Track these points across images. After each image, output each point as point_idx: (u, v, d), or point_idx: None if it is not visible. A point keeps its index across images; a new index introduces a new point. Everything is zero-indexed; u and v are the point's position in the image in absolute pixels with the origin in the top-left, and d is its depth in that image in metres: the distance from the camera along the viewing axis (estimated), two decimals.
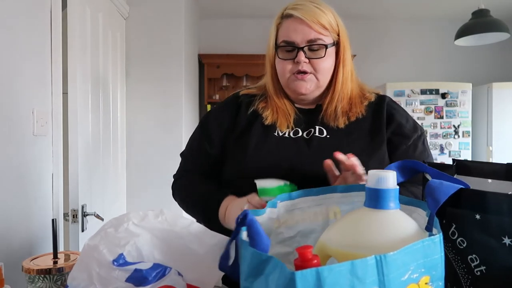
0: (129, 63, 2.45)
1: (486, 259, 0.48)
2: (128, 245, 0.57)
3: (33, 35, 1.37)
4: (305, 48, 0.88)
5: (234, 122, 0.97)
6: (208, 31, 3.74)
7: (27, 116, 1.33)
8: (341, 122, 0.92)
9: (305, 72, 0.90)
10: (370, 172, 0.47)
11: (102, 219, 1.72)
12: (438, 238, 0.41)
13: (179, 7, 2.52)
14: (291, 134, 0.93)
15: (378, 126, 0.93)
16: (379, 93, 1.00)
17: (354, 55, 1.00)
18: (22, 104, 1.30)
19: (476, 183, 0.62)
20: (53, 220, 0.83)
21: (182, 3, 2.52)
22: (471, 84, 3.59)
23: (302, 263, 0.39)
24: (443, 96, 3.52)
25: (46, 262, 0.76)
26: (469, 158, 3.53)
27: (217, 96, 3.57)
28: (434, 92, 3.53)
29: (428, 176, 0.60)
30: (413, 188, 0.86)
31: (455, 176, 0.62)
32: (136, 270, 0.54)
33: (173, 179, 1.07)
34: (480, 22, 2.60)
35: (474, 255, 0.50)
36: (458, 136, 3.54)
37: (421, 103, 3.53)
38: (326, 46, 0.89)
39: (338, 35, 0.92)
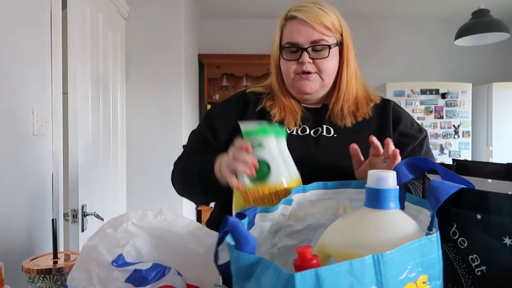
0: (129, 63, 2.46)
1: (487, 259, 0.48)
2: (127, 246, 0.57)
3: (33, 35, 1.37)
4: (309, 49, 0.90)
5: (242, 117, 0.97)
6: (208, 31, 3.74)
7: (27, 116, 1.33)
8: (349, 122, 0.94)
9: (309, 72, 0.91)
10: (370, 172, 0.47)
11: (102, 219, 1.72)
12: (435, 237, 0.41)
13: (179, 7, 2.52)
14: (299, 132, 0.94)
15: (384, 127, 0.95)
16: (383, 97, 1.02)
17: (355, 55, 1.01)
18: (22, 104, 1.30)
19: (476, 183, 0.62)
20: (53, 220, 0.83)
21: (182, 3, 2.52)
22: (471, 84, 3.59)
23: (302, 263, 0.39)
24: (443, 96, 3.52)
25: (46, 262, 0.76)
26: (469, 158, 3.52)
27: (217, 96, 3.57)
28: (434, 92, 3.53)
29: (429, 177, 0.60)
30: (418, 184, 0.87)
31: None
32: (135, 270, 0.54)
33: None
34: (480, 22, 2.60)
35: (475, 255, 0.49)
36: (458, 136, 3.54)
37: (421, 103, 3.53)
38: (329, 47, 0.91)
39: (342, 35, 0.94)
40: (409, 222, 0.46)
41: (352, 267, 0.35)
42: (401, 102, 3.50)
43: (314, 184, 0.63)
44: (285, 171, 0.71)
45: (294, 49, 0.92)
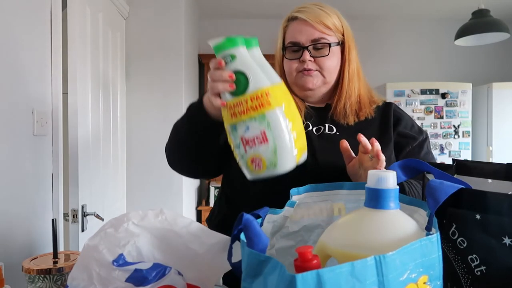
0: (129, 63, 2.45)
1: (486, 259, 0.48)
2: (128, 245, 0.57)
3: (33, 35, 1.37)
4: (310, 47, 0.93)
5: None
6: (208, 31, 3.74)
7: (27, 116, 1.33)
8: (351, 120, 0.95)
9: (310, 70, 0.94)
10: (370, 172, 0.48)
11: (102, 219, 1.72)
12: (435, 237, 0.41)
13: (179, 7, 2.52)
14: None
15: (385, 127, 0.97)
16: (385, 101, 1.04)
17: (357, 55, 1.03)
18: (22, 104, 1.30)
19: (476, 183, 0.62)
20: (53, 220, 0.83)
21: (182, 3, 2.52)
22: (471, 84, 3.59)
23: (302, 263, 0.39)
24: (443, 96, 3.52)
25: (46, 262, 0.76)
26: (469, 158, 3.53)
27: None
28: (434, 92, 3.53)
29: (429, 176, 0.61)
30: (416, 182, 0.88)
31: (455, 176, 0.62)
32: (136, 270, 0.54)
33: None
34: (480, 22, 2.60)
35: (474, 255, 0.50)
36: (458, 136, 3.54)
37: (421, 103, 3.53)
38: (329, 45, 0.93)
39: (343, 35, 0.96)
40: (409, 222, 0.46)
41: (354, 269, 0.35)
42: (401, 102, 3.50)
43: (307, 186, 0.64)
44: (263, 77, 0.71)
45: (296, 48, 0.95)
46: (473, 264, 0.50)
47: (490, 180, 0.62)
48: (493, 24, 2.55)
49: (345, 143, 0.80)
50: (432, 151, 1.01)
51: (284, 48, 0.97)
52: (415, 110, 3.52)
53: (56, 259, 0.78)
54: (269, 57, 0.87)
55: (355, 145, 0.78)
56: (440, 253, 0.42)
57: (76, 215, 1.64)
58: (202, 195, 3.62)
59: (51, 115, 1.47)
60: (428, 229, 0.46)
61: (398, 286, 0.37)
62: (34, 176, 1.37)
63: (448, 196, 0.48)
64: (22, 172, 1.30)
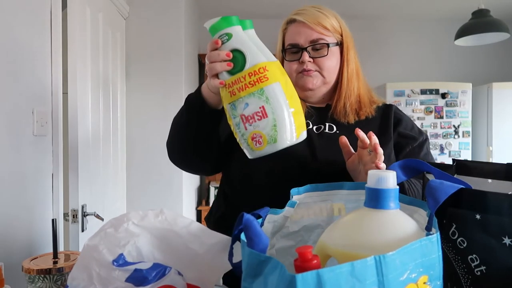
0: (129, 63, 2.45)
1: (486, 259, 0.48)
2: (128, 245, 0.57)
3: (33, 35, 1.37)
4: (309, 48, 0.95)
5: None
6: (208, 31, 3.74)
7: (27, 116, 1.33)
8: (351, 119, 0.97)
9: (310, 70, 0.95)
10: (370, 172, 0.48)
11: (102, 219, 1.72)
12: (435, 237, 0.41)
13: (179, 7, 2.52)
14: None
15: (385, 127, 0.98)
16: (385, 102, 1.06)
17: (357, 55, 1.04)
18: (22, 104, 1.31)
19: (476, 183, 0.62)
20: (53, 220, 0.83)
21: (182, 3, 2.52)
22: (471, 84, 3.59)
23: (302, 263, 0.39)
24: (443, 96, 3.52)
25: (46, 262, 0.76)
26: (469, 158, 3.53)
27: None
28: (434, 92, 3.53)
29: (429, 176, 0.61)
30: (415, 181, 0.88)
31: (455, 176, 0.63)
32: (136, 270, 0.54)
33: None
34: (480, 22, 2.60)
35: (474, 255, 0.50)
36: (458, 136, 3.54)
37: (421, 103, 3.53)
38: (328, 45, 0.95)
39: (342, 35, 0.98)
40: (409, 222, 0.46)
41: (354, 269, 0.35)
42: (401, 102, 3.50)
43: (307, 186, 0.64)
44: (260, 54, 0.73)
45: (295, 50, 0.96)
46: (473, 264, 0.50)
47: (490, 180, 0.62)
48: (493, 24, 2.55)
49: (344, 139, 0.81)
50: (431, 152, 1.02)
51: (284, 50, 0.99)
52: (415, 110, 3.52)
53: (56, 259, 0.78)
54: None
55: (355, 143, 0.79)
56: (440, 253, 0.42)
57: (76, 215, 1.64)
58: (202, 195, 3.62)
59: (51, 115, 1.47)
60: (428, 229, 0.46)
61: (398, 286, 0.37)
62: (34, 176, 1.37)
63: (448, 196, 0.48)
64: (22, 172, 1.30)
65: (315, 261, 0.39)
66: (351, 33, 1.00)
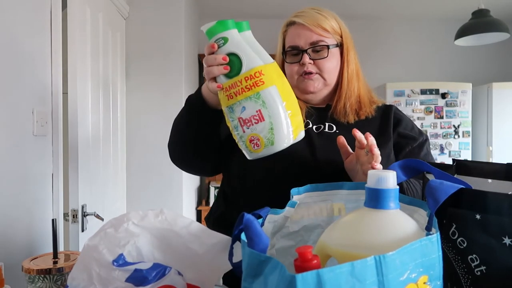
0: (129, 63, 2.46)
1: (486, 259, 0.48)
2: (128, 245, 0.57)
3: (33, 35, 1.37)
4: (309, 50, 0.95)
5: None
6: None
7: (27, 116, 1.33)
8: (351, 119, 0.97)
9: (310, 73, 0.95)
10: (370, 172, 0.48)
11: (102, 219, 1.72)
12: (435, 237, 0.41)
13: (179, 7, 2.52)
14: None
15: (385, 126, 0.98)
16: (385, 103, 1.06)
17: (356, 56, 1.04)
18: (22, 104, 1.31)
19: (476, 183, 0.62)
20: (53, 220, 0.83)
21: (182, 3, 2.52)
22: (471, 84, 3.59)
23: (302, 263, 0.39)
24: (443, 96, 3.52)
25: (46, 262, 0.76)
26: (469, 158, 3.53)
27: None
28: (434, 92, 3.53)
29: (429, 176, 0.61)
30: (415, 181, 0.88)
31: (455, 176, 0.63)
32: (136, 270, 0.54)
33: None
34: (480, 22, 2.60)
35: (474, 255, 0.50)
36: (458, 136, 3.54)
37: (421, 103, 3.53)
38: (328, 47, 0.95)
39: (341, 37, 0.98)
40: (409, 222, 0.46)
41: (354, 269, 0.35)
42: (401, 102, 3.50)
43: (307, 186, 0.64)
44: (256, 57, 0.73)
45: (295, 52, 0.97)
46: (473, 264, 0.50)
47: (490, 180, 0.62)
48: (493, 24, 2.55)
49: (341, 139, 0.81)
50: (431, 152, 1.02)
51: (284, 52, 0.99)
52: (415, 110, 3.51)
53: (56, 259, 0.78)
54: None
55: (355, 142, 0.79)
56: (440, 253, 0.42)
57: (76, 215, 1.64)
58: (202, 195, 3.62)
59: (51, 115, 1.47)
60: (428, 229, 0.46)
61: (398, 286, 0.37)
62: (34, 176, 1.37)
63: (448, 196, 0.48)
64: (22, 172, 1.30)
65: (315, 261, 0.39)
66: (351, 34, 1.01)
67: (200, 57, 3.44)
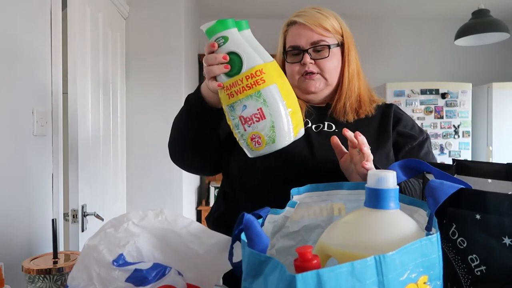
0: (129, 63, 2.45)
1: (486, 259, 0.48)
2: (128, 245, 0.57)
3: (33, 35, 1.37)
4: (310, 50, 0.95)
5: None
6: None
7: (27, 116, 1.33)
8: (351, 118, 0.97)
9: (312, 73, 0.95)
10: (370, 172, 0.48)
11: (102, 219, 1.72)
12: (435, 237, 0.41)
13: (179, 7, 2.52)
14: None
15: (385, 125, 0.98)
16: (386, 102, 1.06)
17: (357, 56, 1.04)
18: (22, 104, 1.31)
19: (476, 183, 0.62)
20: (53, 220, 0.83)
21: (182, 3, 2.52)
22: (471, 84, 3.59)
23: (302, 263, 0.39)
24: (443, 96, 3.52)
25: (46, 262, 0.76)
26: (469, 158, 3.52)
27: None
28: (434, 92, 3.53)
29: (428, 176, 0.61)
30: (413, 180, 0.88)
31: (455, 176, 0.62)
32: (136, 270, 0.54)
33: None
34: (480, 22, 2.60)
35: (474, 255, 0.50)
36: (458, 136, 3.54)
37: (421, 103, 3.53)
38: (329, 47, 0.95)
39: (342, 36, 0.98)
40: (409, 222, 0.46)
41: (354, 269, 0.35)
42: (401, 102, 3.50)
43: (307, 186, 0.64)
44: (256, 56, 0.74)
45: (296, 52, 0.97)
46: (473, 264, 0.50)
47: (490, 180, 0.62)
48: (493, 24, 2.55)
49: (335, 139, 0.81)
50: (433, 152, 1.01)
51: (285, 52, 0.99)
52: (415, 110, 3.51)
53: (56, 259, 0.78)
54: None
55: None
56: (440, 253, 0.42)
57: (76, 215, 1.64)
58: (202, 195, 3.62)
59: (51, 115, 1.47)
60: (428, 229, 0.46)
61: (398, 286, 0.37)
62: (34, 176, 1.37)
63: (448, 196, 0.48)
64: (22, 172, 1.30)
65: (315, 261, 0.39)
66: (352, 33, 1.00)
67: (200, 57, 3.44)
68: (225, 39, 0.74)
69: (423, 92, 3.53)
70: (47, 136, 1.45)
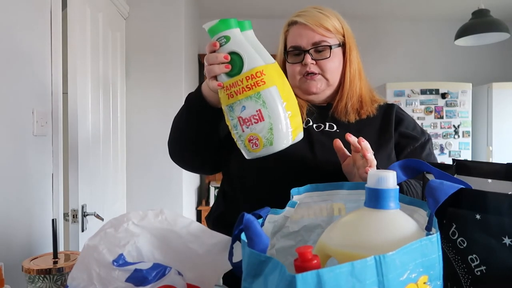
0: (129, 63, 2.46)
1: (486, 259, 0.48)
2: (128, 245, 0.57)
3: (33, 35, 1.37)
4: (311, 51, 0.94)
5: None
6: None
7: (27, 116, 1.33)
8: (352, 118, 0.96)
9: (313, 73, 0.95)
10: (370, 172, 0.48)
11: (102, 219, 1.72)
12: (435, 237, 0.41)
13: (179, 7, 2.52)
14: (303, 125, 0.95)
15: (386, 126, 0.97)
16: (387, 102, 1.05)
17: (359, 55, 1.04)
18: (22, 104, 1.31)
19: (476, 183, 0.62)
20: (53, 220, 0.83)
21: (182, 3, 2.52)
22: (471, 84, 3.59)
23: (302, 263, 0.39)
24: (443, 96, 3.52)
25: (46, 262, 0.76)
26: (469, 158, 3.53)
27: None
28: (434, 92, 3.53)
29: (428, 176, 0.61)
30: (415, 182, 0.88)
31: (455, 176, 0.62)
32: (136, 270, 0.54)
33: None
34: (480, 22, 2.60)
35: (474, 255, 0.50)
36: (458, 136, 3.54)
37: (421, 103, 3.53)
38: (330, 47, 0.94)
39: (344, 36, 0.97)
40: (409, 222, 0.46)
41: (354, 269, 0.35)
42: (401, 102, 3.50)
43: (307, 186, 0.64)
44: (257, 57, 0.74)
45: (297, 52, 0.96)
46: (473, 264, 0.50)
47: (490, 180, 0.62)
48: (493, 24, 2.55)
49: (338, 143, 0.80)
50: (434, 154, 1.01)
51: (286, 52, 0.98)
52: (415, 110, 3.51)
53: (56, 259, 0.78)
54: None
55: None
56: (440, 253, 0.42)
57: (76, 215, 1.64)
58: (202, 195, 3.62)
59: (51, 115, 1.47)
60: (428, 229, 0.46)
61: (398, 286, 0.37)
62: (34, 176, 1.37)
63: (448, 196, 0.48)
64: (22, 172, 1.30)
65: (315, 261, 0.39)
66: (353, 33, 1.00)
67: (200, 57, 3.44)
68: (227, 38, 0.73)
69: (423, 92, 3.53)
70: (47, 136, 1.45)
